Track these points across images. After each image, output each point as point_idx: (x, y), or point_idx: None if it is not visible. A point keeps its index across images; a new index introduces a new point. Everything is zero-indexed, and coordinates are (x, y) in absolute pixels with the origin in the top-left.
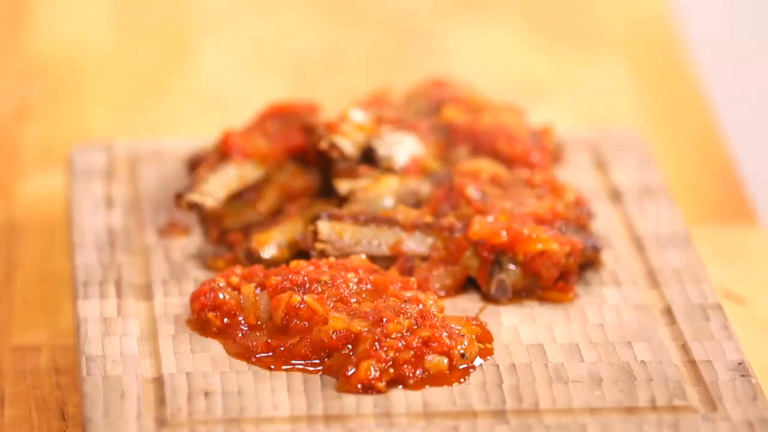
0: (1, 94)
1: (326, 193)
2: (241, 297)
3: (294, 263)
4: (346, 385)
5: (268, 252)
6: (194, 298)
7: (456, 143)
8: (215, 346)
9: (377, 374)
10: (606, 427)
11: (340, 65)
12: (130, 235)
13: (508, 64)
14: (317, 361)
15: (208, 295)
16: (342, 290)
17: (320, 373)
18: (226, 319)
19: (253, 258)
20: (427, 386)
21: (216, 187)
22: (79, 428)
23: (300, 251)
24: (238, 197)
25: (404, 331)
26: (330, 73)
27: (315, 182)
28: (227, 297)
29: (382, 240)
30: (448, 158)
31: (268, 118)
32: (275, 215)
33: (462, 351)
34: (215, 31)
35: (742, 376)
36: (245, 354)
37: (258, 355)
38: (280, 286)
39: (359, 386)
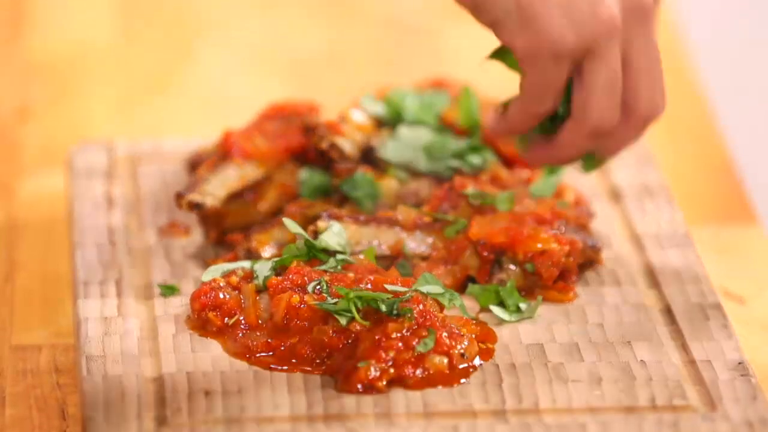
0: (2, 94)
1: (326, 192)
2: (241, 297)
3: (294, 263)
4: (346, 385)
5: (268, 252)
6: (194, 297)
7: None
8: (215, 346)
9: (377, 374)
10: (606, 427)
11: (340, 65)
12: (130, 235)
13: None
14: (318, 361)
15: (208, 295)
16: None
17: (320, 372)
18: (226, 319)
19: (253, 257)
20: (427, 386)
21: (216, 187)
22: (80, 428)
23: None
24: (239, 197)
25: (404, 330)
26: (330, 73)
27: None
28: (227, 297)
29: (382, 240)
30: None
31: (268, 118)
32: (275, 215)
33: (462, 351)
34: (216, 30)
35: (742, 375)
36: (245, 354)
37: (258, 355)
38: (280, 286)
39: (359, 386)
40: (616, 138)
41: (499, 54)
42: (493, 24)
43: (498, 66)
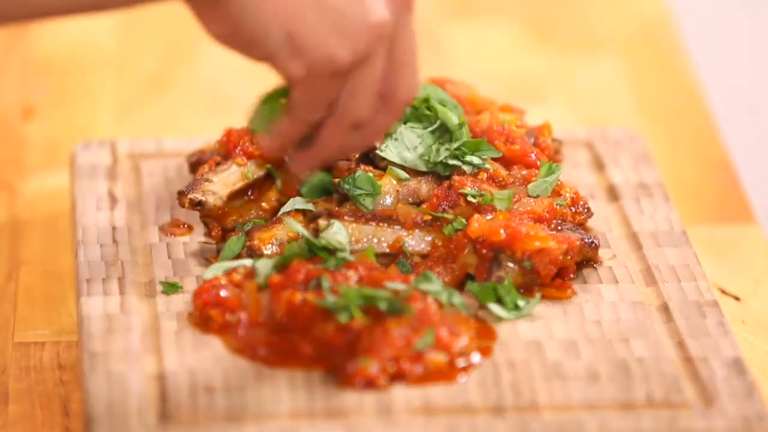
0: (6, 93)
1: (327, 191)
2: (243, 294)
3: (295, 261)
4: (346, 382)
5: (270, 250)
6: (197, 295)
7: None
8: (217, 343)
9: (377, 371)
10: (603, 423)
11: None
12: (132, 233)
13: (506, 64)
14: (318, 358)
15: (210, 293)
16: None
17: (321, 370)
18: (228, 316)
19: (254, 256)
20: (426, 383)
21: (218, 186)
22: (82, 424)
23: None
24: (240, 195)
25: (404, 328)
26: None
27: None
28: (229, 294)
29: (382, 238)
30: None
31: None
32: (277, 213)
33: (461, 348)
34: None
35: (738, 372)
36: (247, 351)
37: (260, 352)
38: (281, 284)
39: (360, 383)
40: (375, 126)
41: (270, 99)
42: (266, 58)
43: (497, 66)
